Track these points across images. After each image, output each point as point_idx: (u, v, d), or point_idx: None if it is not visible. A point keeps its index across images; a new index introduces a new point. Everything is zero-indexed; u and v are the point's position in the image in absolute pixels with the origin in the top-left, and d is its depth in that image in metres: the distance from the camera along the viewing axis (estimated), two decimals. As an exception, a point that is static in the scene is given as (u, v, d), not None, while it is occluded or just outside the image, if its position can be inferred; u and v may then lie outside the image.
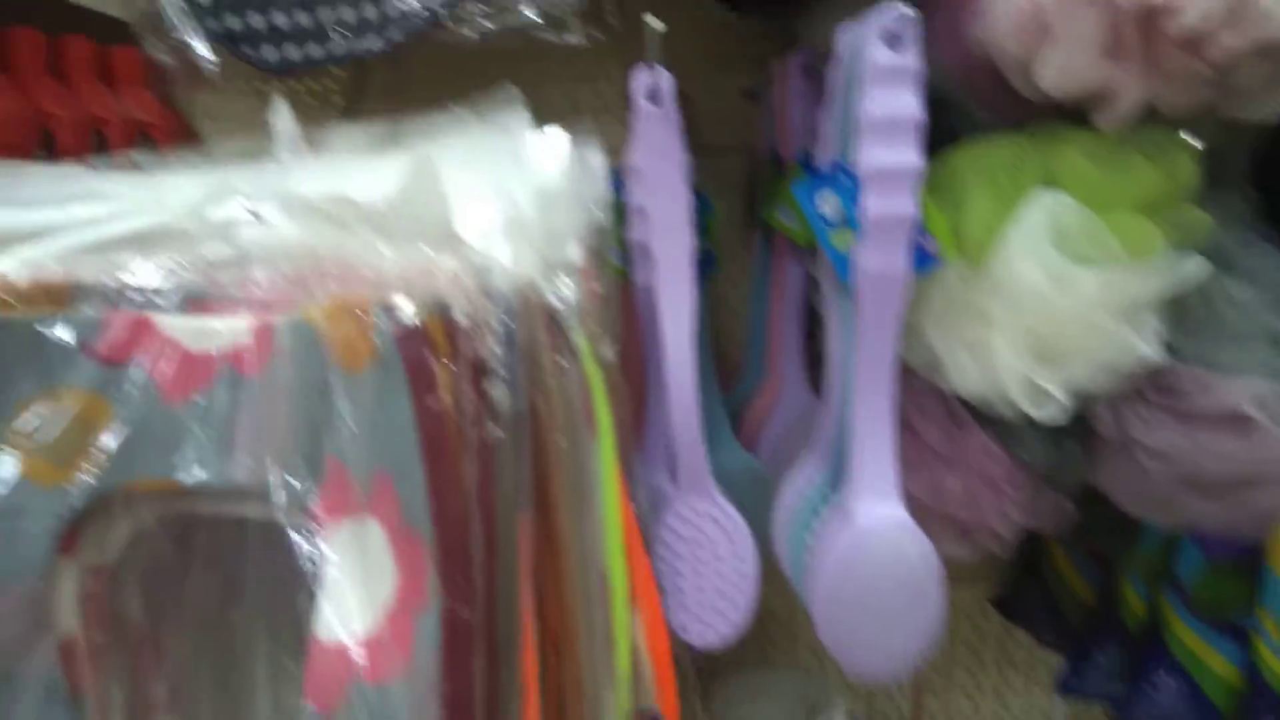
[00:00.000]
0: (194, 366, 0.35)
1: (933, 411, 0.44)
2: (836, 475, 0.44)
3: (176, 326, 0.35)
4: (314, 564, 0.32)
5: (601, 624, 0.37)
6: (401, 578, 0.31)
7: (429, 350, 0.30)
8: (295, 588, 0.33)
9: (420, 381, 0.30)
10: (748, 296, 0.62)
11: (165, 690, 0.36)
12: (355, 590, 0.31)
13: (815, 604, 0.41)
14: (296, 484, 0.33)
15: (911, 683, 0.66)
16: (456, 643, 0.30)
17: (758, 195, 0.60)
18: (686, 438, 0.45)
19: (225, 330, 0.34)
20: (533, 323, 0.34)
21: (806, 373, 0.59)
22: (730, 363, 0.63)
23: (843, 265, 0.40)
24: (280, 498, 0.33)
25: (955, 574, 0.73)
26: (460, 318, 0.31)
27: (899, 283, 0.39)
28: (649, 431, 0.50)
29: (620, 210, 0.47)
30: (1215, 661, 0.55)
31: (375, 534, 0.31)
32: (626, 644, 0.39)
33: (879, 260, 0.38)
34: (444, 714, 0.30)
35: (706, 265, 0.53)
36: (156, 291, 0.35)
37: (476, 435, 0.31)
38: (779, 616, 0.72)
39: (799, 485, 0.47)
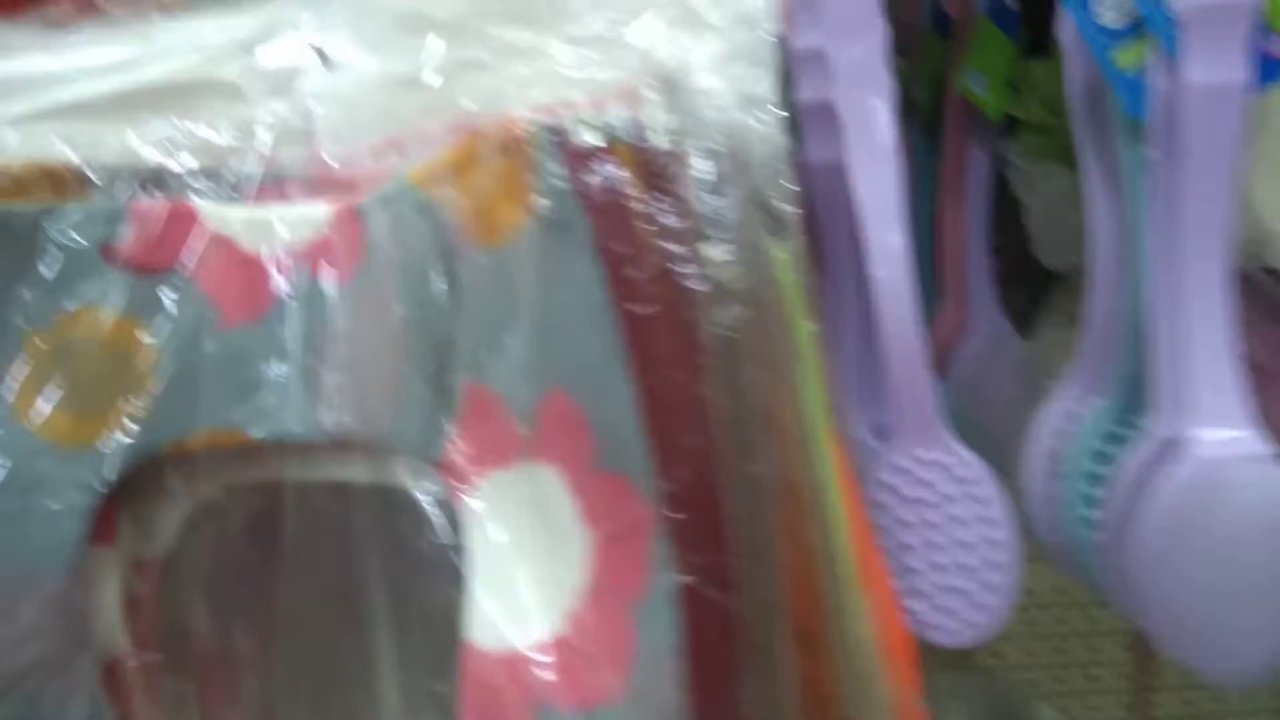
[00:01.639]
0: (258, 274, 0.29)
1: (1252, 312, 0.36)
2: (1129, 402, 0.38)
3: (230, 219, 0.29)
4: (455, 540, 0.27)
5: (850, 612, 0.31)
6: (600, 546, 0.24)
7: (627, 194, 0.23)
8: (428, 576, 0.28)
9: (618, 241, 0.23)
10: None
11: (246, 727, 0.31)
12: (525, 570, 0.25)
13: (1138, 574, 0.34)
14: (418, 426, 0.27)
15: (1135, 695, 0.58)
16: (706, 644, 0.23)
17: (916, 74, 0.54)
18: (905, 363, 0.39)
19: (298, 221, 0.29)
20: (748, 170, 0.26)
21: (997, 292, 0.54)
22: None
23: (1135, 92, 0.34)
24: (396, 449, 0.28)
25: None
26: (661, 146, 0.24)
27: (1235, 103, 0.32)
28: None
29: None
30: None
31: (550, 484, 0.25)
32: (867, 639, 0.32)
33: (1206, 70, 0.31)
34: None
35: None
36: (199, 172, 0.30)
37: (701, 326, 0.24)
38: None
39: (1056, 421, 0.40)
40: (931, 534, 0.39)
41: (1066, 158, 0.43)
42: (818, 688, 0.29)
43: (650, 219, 0.23)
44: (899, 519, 0.40)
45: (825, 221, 0.42)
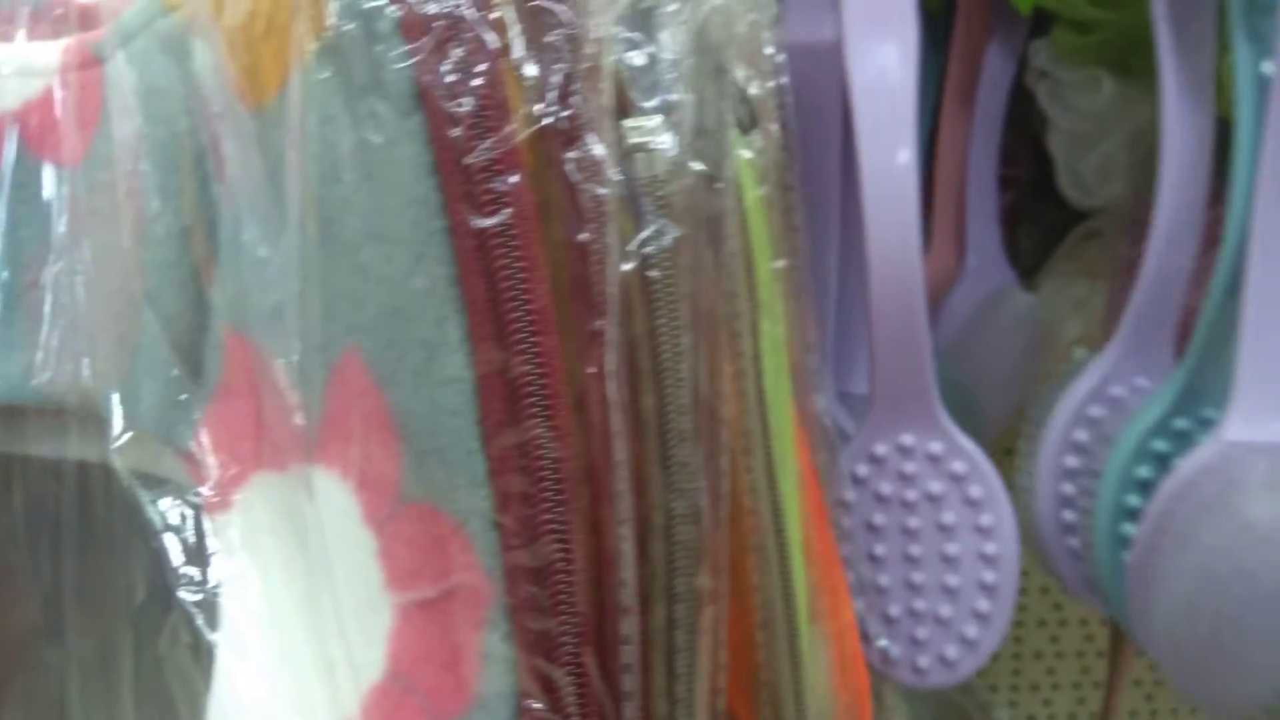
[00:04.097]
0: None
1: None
2: (1192, 388, 0.32)
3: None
4: (200, 570, 0.21)
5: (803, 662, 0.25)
6: (405, 620, 0.17)
7: (484, 25, 0.16)
8: (158, 612, 0.22)
9: (464, 104, 0.16)
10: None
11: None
12: (293, 639, 0.19)
13: (1184, 619, 0.29)
14: (156, 394, 0.22)
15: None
16: None
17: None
18: (898, 319, 0.33)
19: (15, 70, 0.24)
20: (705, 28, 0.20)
21: (1001, 230, 0.48)
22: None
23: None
24: (125, 425, 0.22)
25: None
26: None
27: None
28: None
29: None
30: None
31: (340, 504, 0.18)
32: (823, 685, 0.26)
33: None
34: None
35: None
36: None
37: (604, 256, 0.16)
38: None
39: (1087, 405, 0.34)
40: (908, 544, 0.34)
41: (1116, 63, 0.38)
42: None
43: (524, 65, 0.15)
44: (868, 524, 0.33)
45: (801, 123, 0.36)
